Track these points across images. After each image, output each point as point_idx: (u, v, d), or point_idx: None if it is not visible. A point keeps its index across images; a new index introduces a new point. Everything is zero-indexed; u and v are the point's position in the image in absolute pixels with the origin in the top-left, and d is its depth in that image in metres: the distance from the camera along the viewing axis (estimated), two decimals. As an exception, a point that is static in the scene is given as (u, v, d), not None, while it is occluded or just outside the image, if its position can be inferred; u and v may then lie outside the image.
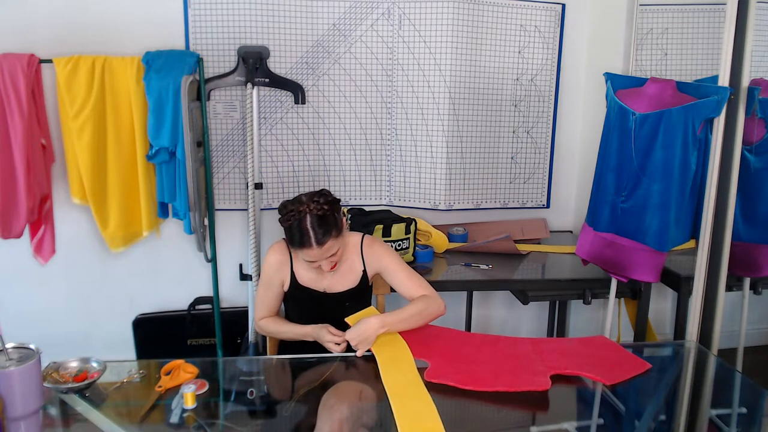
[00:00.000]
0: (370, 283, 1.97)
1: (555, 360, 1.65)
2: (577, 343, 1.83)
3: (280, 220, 1.78)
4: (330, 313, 1.87)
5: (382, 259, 1.91)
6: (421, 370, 1.58)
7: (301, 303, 1.93)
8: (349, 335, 1.69)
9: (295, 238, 1.74)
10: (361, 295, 1.94)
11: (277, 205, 2.73)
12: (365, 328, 1.70)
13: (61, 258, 2.57)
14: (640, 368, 1.64)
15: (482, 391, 1.51)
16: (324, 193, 1.79)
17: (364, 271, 1.92)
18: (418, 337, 1.74)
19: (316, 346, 1.80)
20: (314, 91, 2.68)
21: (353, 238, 1.94)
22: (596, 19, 2.82)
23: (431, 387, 1.50)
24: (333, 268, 1.84)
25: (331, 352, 1.74)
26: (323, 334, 1.75)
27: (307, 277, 1.91)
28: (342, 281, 1.91)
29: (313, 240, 1.72)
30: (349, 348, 1.73)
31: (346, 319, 1.78)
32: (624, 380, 1.59)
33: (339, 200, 1.83)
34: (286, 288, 1.92)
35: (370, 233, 2.35)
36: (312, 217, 1.72)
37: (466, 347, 1.73)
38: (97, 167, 2.36)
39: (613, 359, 1.69)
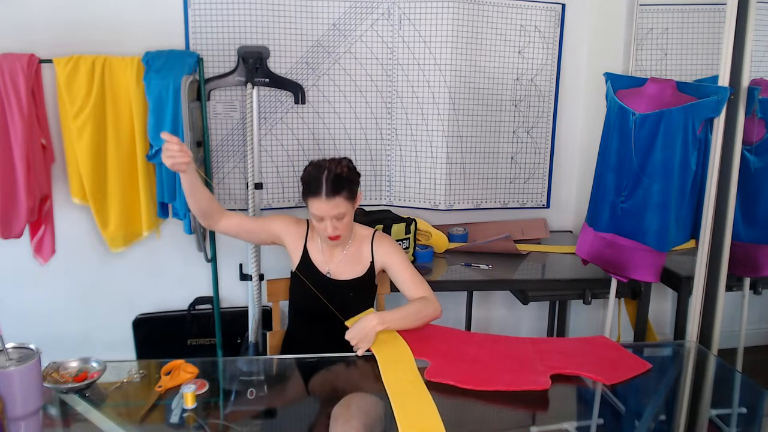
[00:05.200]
0: (375, 279, 1.98)
1: (555, 360, 1.65)
2: (577, 343, 1.83)
3: (301, 177, 1.86)
4: (333, 298, 1.90)
5: (390, 256, 1.94)
6: (421, 370, 1.57)
7: (305, 283, 1.94)
8: (349, 335, 1.70)
9: (311, 187, 1.80)
10: (366, 286, 1.96)
11: (277, 205, 2.74)
12: (364, 326, 1.71)
13: (61, 258, 2.57)
14: (641, 368, 1.64)
15: (482, 391, 1.51)
16: (347, 159, 1.88)
17: (372, 263, 1.94)
18: (418, 337, 1.74)
19: (316, 346, 1.80)
20: (314, 91, 2.68)
21: (365, 231, 1.99)
22: (596, 19, 2.82)
23: (431, 386, 1.50)
24: (336, 238, 1.85)
25: (332, 350, 1.74)
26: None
27: (317, 258, 1.94)
28: (349, 269, 1.94)
29: (324, 190, 1.77)
30: (349, 348, 1.73)
31: (346, 323, 1.78)
32: (624, 380, 1.59)
33: (359, 174, 1.90)
34: (294, 265, 1.95)
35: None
36: (330, 173, 1.79)
37: (466, 347, 1.73)
38: (97, 167, 2.36)
39: (613, 359, 1.69)
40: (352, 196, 1.84)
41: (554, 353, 1.70)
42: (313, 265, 1.94)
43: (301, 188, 1.87)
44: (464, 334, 1.85)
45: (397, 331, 1.76)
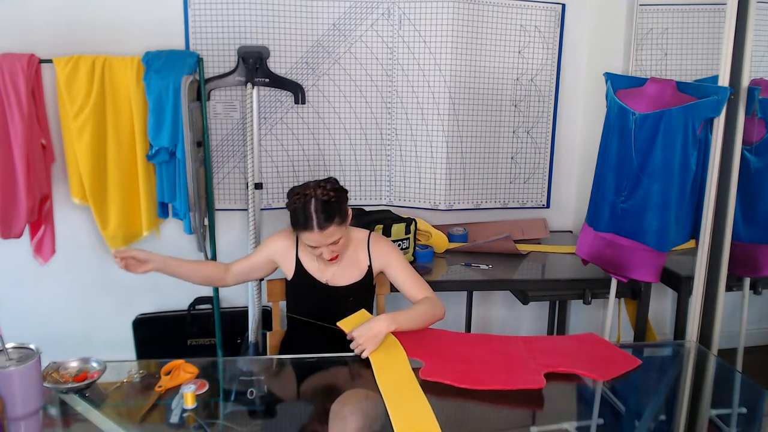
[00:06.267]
0: (374, 281, 1.97)
1: (548, 358, 1.65)
2: (568, 341, 1.83)
3: (287, 204, 1.81)
4: (332, 305, 1.88)
5: (388, 257, 1.92)
6: (415, 370, 1.57)
7: (304, 292, 1.94)
8: (357, 333, 1.67)
9: (299, 221, 1.76)
10: (365, 290, 1.95)
11: (277, 205, 2.74)
12: (373, 326, 1.68)
13: (61, 258, 2.57)
14: (631, 364, 1.65)
15: (477, 390, 1.51)
16: (332, 181, 1.83)
17: (370, 266, 1.93)
18: (411, 338, 1.74)
19: (316, 347, 1.80)
20: (314, 91, 2.68)
21: (360, 233, 1.96)
22: (596, 19, 2.82)
23: (426, 386, 1.50)
24: (334, 259, 1.84)
25: (332, 352, 1.74)
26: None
27: (312, 267, 1.92)
28: (347, 274, 1.92)
29: (315, 223, 1.73)
30: (349, 349, 1.73)
31: (338, 324, 1.75)
32: (616, 376, 1.59)
33: (346, 191, 1.85)
34: (289, 276, 1.93)
35: (371, 233, 2.35)
36: (317, 202, 1.75)
37: (460, 347, 1.73)
38: (97, 167, 2.36)
39: (604, 356, 1.69)
40: (344, 218, 1.80)
41: (546, 351, 1.70)
42: (309, 274, 1.91)
43: (290, 218, 1.81)
44: (457, 335, 1.85)
45: (392, 333, 1.75)
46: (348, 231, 1.89)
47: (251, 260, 1.96)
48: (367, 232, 1.97)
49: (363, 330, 1.68)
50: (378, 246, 1.94)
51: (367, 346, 1.65)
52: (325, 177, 1.87)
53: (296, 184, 2.70)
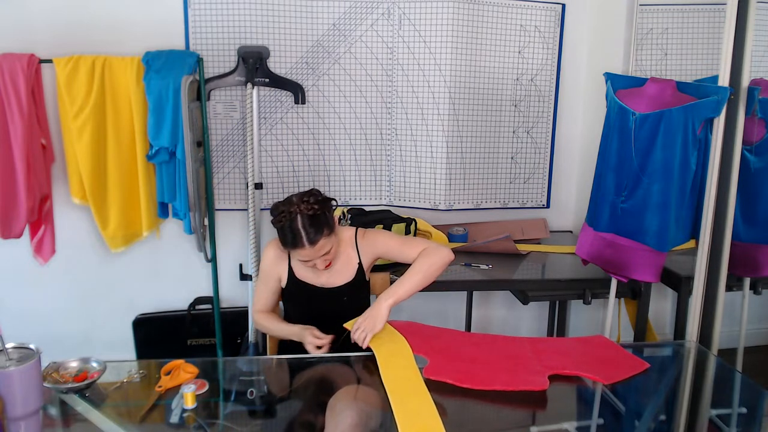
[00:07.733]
0: (367, 278, 1.97)
1: (553, 360, 1.65)
2: (575, 343, 1.83)
3: (272, 221, 1.80)
4: (327, 308, 1.88)
5: (376, 242, 1.92)
6: (420, 369, 1.57)
7: (298, 298, 1.94)
8: (358, 322, 1.69)
9: (288, 239, 1.75)
10: (358, 288, 1.94)
11: (277, 205, 2.74)
12: (373, 309, 1.70)
13: (61, 258, 2.57)
14: (639, 368, 1.64)
15: (480, 390, 1.51)
16: (314, 193, 1.80)
17: (360, 263, 1.93)
18: (417, 336, 1.74)
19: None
20: (314, 91, 2.68)
21: (347, 232, 1.95)
22: (596, 19, 2.82)
23: (430, 385, 1.50)
24: (328, 266, 1.84)
25: (332, 352, 1.74)
26: (306, 335, 1.76)
27: (305, 274, 1.92)
28: (339, 276, 1.92)
29: (305, 240, 1.72)
30: (346, 348, 1.73)
31: (344, 325, 1.76)
32: (622, 380, 1.59)
33: (330, 199, 1.83)
34: (283, 284, 1.93)
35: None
36: (303, 218, 1.73)
37: (465, 346, 1.73)
38: (97, 167, 2.36)
39: (611, 359, 1.69)
40: (332, 228, 1.79)
41: (552, 353, 1.70)
42: (302, 281, 1.91)
43: (278, 235, 1.80)
44: (462, 334, 1.85)
45: (397, 329, 1.75)
46: (337, 234, 1.89)
47: (267, 288, 1.96)
48: (354, 229, 1.95)
49: (361, 320, 1.69)
50: (365, 239, 1.93)
51: (367, 330, 1.67)
52: (307, 189, 1.85)
53: (296, 184, 2.73)
